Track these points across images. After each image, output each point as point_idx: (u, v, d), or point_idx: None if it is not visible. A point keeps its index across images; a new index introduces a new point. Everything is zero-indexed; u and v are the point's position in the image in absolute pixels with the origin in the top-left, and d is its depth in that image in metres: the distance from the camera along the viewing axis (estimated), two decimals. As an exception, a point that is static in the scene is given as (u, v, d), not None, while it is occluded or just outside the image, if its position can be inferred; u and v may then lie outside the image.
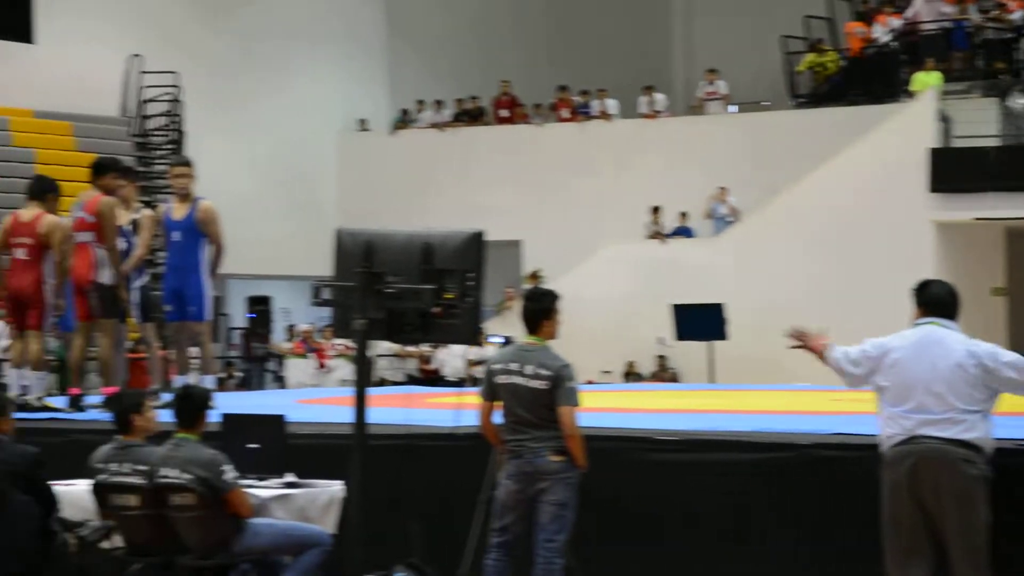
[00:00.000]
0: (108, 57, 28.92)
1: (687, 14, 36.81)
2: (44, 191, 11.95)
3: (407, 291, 8.51)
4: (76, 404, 11.76)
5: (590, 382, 22.03)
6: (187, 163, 12.05)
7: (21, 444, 8.62)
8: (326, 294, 8.78)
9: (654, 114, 31.05)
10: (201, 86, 29.63)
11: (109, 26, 29.33)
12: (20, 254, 11.80)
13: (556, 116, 32.02)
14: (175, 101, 29.07)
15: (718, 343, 24.61)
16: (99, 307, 11.58)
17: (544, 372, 8.30)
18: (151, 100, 29.34)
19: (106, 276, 11.56)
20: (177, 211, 11.82)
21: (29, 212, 11.84)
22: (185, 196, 11.83)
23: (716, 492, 8.95)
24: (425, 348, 25.46)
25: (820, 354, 7.80)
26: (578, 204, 30.13)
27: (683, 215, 28.74)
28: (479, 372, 23.86)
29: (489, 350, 23.00)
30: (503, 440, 8.47)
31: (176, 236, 11.82)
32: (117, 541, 8.69)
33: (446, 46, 34.21)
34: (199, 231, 11.76)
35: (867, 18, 29.71)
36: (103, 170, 11.79)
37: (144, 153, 28.99)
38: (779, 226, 26.62)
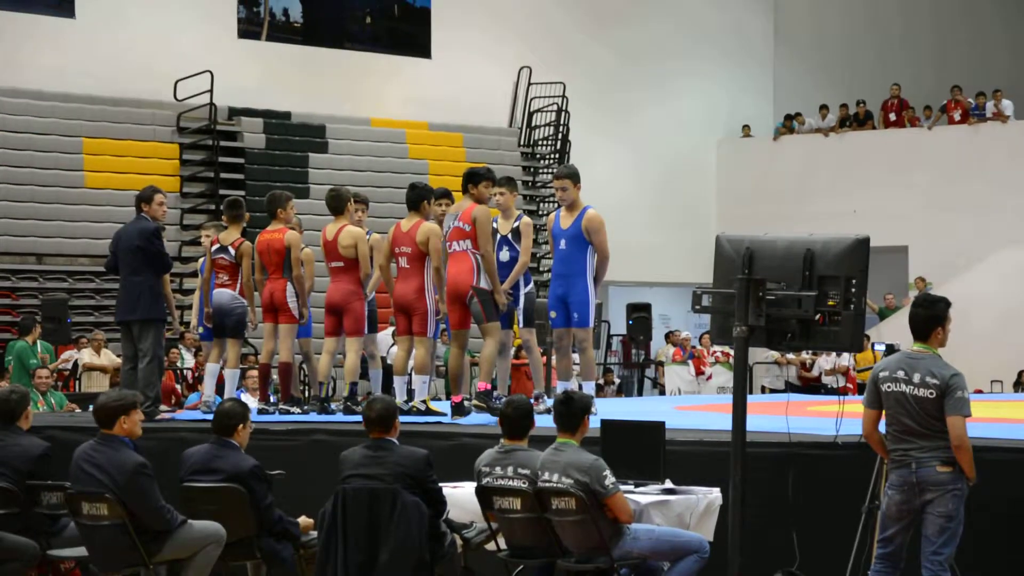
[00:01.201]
0: (498, 70, 29.83)
1: (1090, 8, 35.34)
2: (419, 199, 12.30)
3: (788, 298, 8.42)
4: (460, 411, 11.99)
5: (979, 391, 21.37)
6: (568, 174, 12.07)
7: (410, 447, 8.87)
8: (706, 301, 8.76)
9: (1052, 114, 30.00)
10: (586, 96, 30.21)
11: (499, 40, 30.23)
12: (403, 262, 12.22)
13: (947, 118, 31.20)
14: (561, 111, 29.63)
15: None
16: (480, 312, 11.78)
17: (932, 381, 8.09)
18: (538, 111, 30.00)
19: (484, 281, 11.78)
20: (564, 220, 11.96)
21: (408, 221, 12.24)
22: (572, 205, 11.94)
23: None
24: (805, 355, 25.20)
25: None
26: (967, 208, 29.30)
27: (1081, 219, 27.62)
28: (832, 380, 23.68)
29: (844, 358, 22.62)
30: (888, 449, 8.29)
31: (563, 244, 11.96)
32: (501, 543, 8.86)
33: (833, 50, 33.89)
34: (585, 239, 11.86)
35: None
36: (476, 179, 12.02)
37: (530, 163, 29.68)
38: None
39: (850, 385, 23.50)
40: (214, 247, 13.21)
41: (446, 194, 12.90)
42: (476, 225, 11.71)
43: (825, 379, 25.30)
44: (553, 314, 12.06)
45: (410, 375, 12.46)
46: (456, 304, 11.80)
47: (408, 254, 12.15)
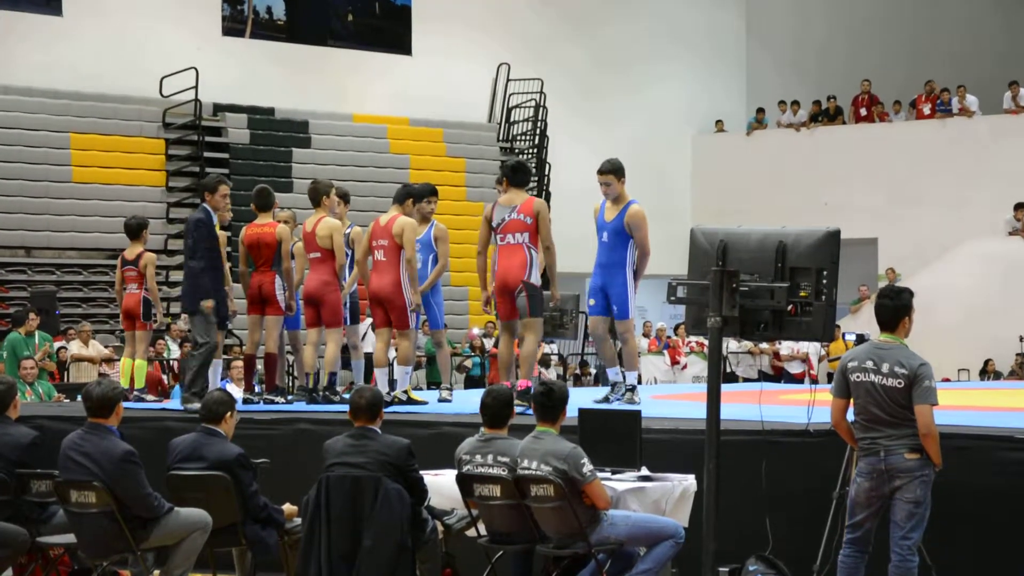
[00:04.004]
0: (477, 67, 30.05)
1: (1055, 5, 35.61)
2: (405, 196, 12.41)
3: (761, 289, 8.58)
4: (524, 397, 11.43)
5: (946, 379, 21.62)
6: (612, 170, 11.98)
7: (392, 436, 8.99)
8: (681, 292, 8.91)
9: (1018, 109, 30.19)
10: (563, 92, 30.48)
11: (478, 38, 30.47)
12: (379, 255, 12.33)
13: (916, 113, 31.47)
14: (539, 107, 29.84)
15: (1083, 341, 23.80)
16: (525, 307, 11.68)
17: (901, 370, 8.23)
18: (517, 106, 30.22)
19: (535, 276, 11.68)
20: (609, 212, 12.01)
21: (387, 215, 12.38)
22: (618, 199, 11.98)
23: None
24: (778, 345, 25.45)
25: None
26: (935, 201, 29.58)
27: (1046, 212, 27.88)
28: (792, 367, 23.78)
29: (802, 344, 22.85)
30: (856, 438, 8.46)
31: (605, 236, 12.04)
32: (482, 529, 9.00)
33: (804, 47, 34.15)
34: (627, 234, 11.96)
35: None
36: (527, 175, 11.94)
37: (509, 157, 29.83)
38: None
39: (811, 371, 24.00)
40: None
41: (434, 191, 13.07)
42: (539, 219, 11.58)
43: (785, 365, 25.60)
44: (592, 301, 12.15)
45: (391, 366, 12.58)
46: (506, 296, 11.67)
47: (385, 247, 12.26)
